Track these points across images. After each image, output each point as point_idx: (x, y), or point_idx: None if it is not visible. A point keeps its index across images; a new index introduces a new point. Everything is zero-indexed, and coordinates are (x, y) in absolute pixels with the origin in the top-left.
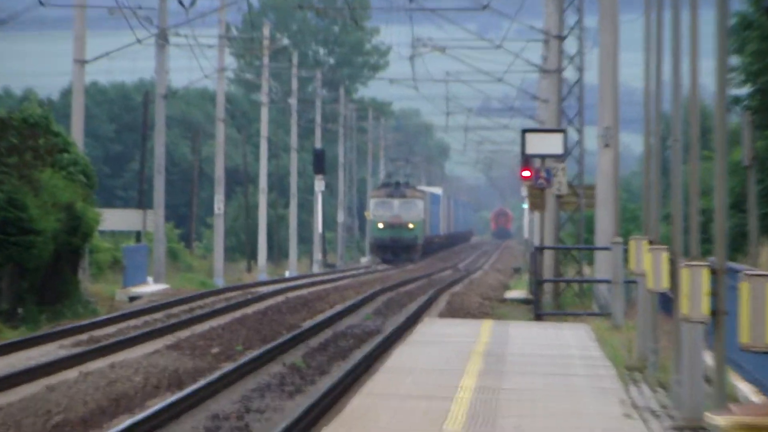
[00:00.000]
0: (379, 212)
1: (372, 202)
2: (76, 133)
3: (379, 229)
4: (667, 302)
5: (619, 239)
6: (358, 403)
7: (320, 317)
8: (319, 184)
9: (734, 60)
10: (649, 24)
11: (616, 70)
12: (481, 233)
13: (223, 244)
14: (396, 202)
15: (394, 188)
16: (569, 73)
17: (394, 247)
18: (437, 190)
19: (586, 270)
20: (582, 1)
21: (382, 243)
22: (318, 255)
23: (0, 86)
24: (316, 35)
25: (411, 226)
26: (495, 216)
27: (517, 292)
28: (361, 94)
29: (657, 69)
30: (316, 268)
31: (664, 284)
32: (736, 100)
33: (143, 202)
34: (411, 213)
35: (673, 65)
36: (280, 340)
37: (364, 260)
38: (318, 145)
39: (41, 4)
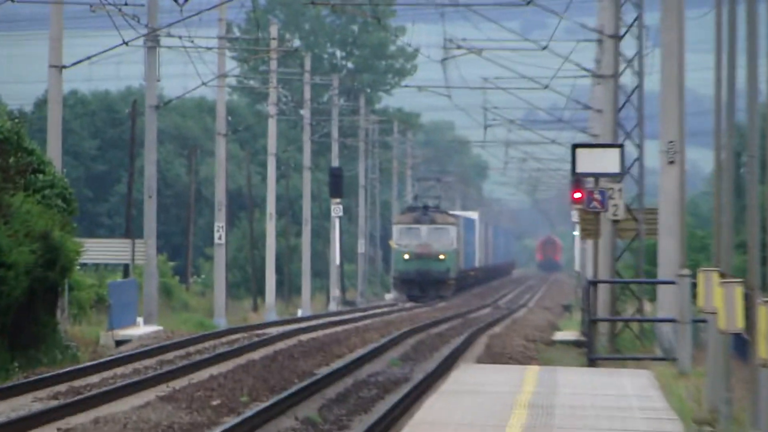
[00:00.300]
0: (405, 241)
1: (396, 230)
2: (53, 151)
3: (405, 261)
4: (742, 345)
5: (686, 272)
6: None
7: (338, 363)
8: (337, 209)
9: None
10: (720, 20)
11: (682, 75)
12: (524, 265)
13: (225, 279)
14: (424, 229)
15: (422, 213)
16: (627, 79)
17: (422, 282)
18: (472, 215)
19: (648, 307)
20: None
21: (407, 277)
22: (335, 291)
23: None
24: (331, 36)
25: (442, 257)
26: (541, 245)
27: (567, 334)
28: (384, 103)
29: (730, 73)
30: (333, 307)
31: (739, 324)
32: None
33: (131, 230)
34: (442, 242)
35: (748, 68)
36: (292, 389)
37: (389, 297)
38: (335, 163)
39: (11, 0)
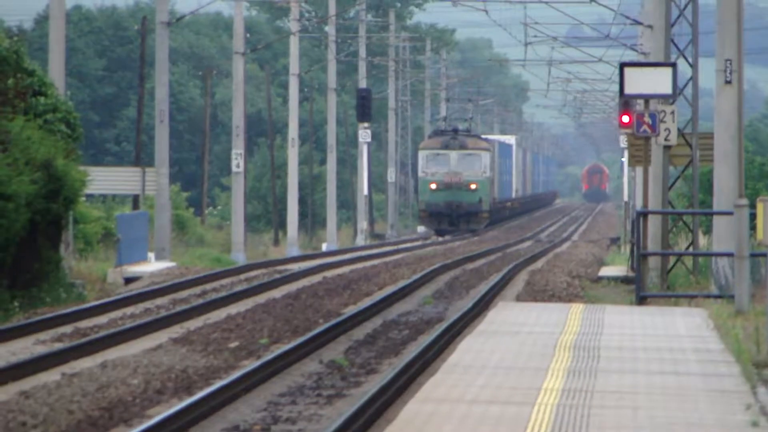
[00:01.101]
0: (432, 169)
1: (422, 156)
2: (56, 71)
3: (432, 191)
4: None
5: (745, 201)
6: (413, 410)
7: (366, 302)
8: (365, 134)
9: None
10: None
11: None
12: (569, 195)
13: (244, 211)
14: (453, 155)
15: (451, 137)
16: None
17: (452, 215)
18: (509, 140)
19: (702, 241)
20: None
21: (435, 209)
22: (363, 223)
23: None
24: None
25: (473, 186)
26: (587, 174)
27: (615, 269)
28: (416, 19)
29: None
30: (360, 240)
31: None
32: None
33: (142, 158)
34: (473, 169)
35: None
36: (316, 331)
37: (421, 229)
38: (362, 84)
39: None
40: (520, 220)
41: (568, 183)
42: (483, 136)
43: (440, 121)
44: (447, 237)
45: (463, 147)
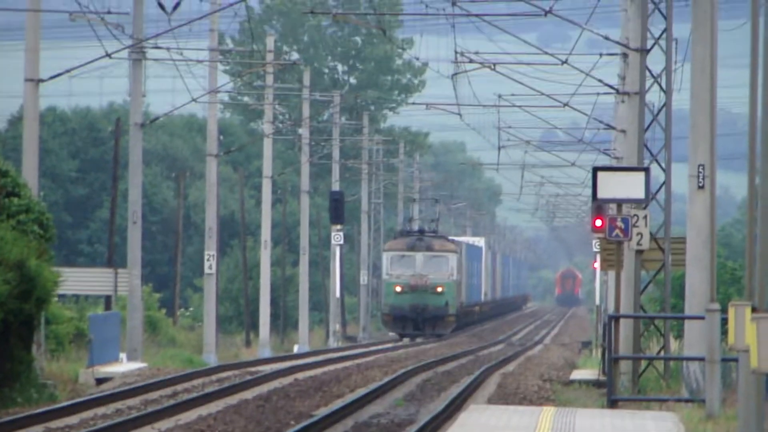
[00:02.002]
0: (397, 271)
1: (386, 258)
2: (29, 172)
3: (396, 294)
4: None
5: (716, 306)
6: None
7: (338, 403)
8: (337, 237)
9: None
10: (756, 32)
11: (713, 92)
12: (541, 298)
13: (216, 312)
14: (419, 256)
15: (417, 238)
16: (653, 96)
17: (416, 319)
18: (478, 241)
19: (674, 344)
20: (670, 5)
21: (399, 312)
22: (335, 325)
23: None
24: (332, 49)
25: (440, 289)
26: (560, 278)
27: (587, 372)
28: (390, 123)
29: (766, 90)
30: (332, 342)
31: None
32: None
33: (114, 259)
34: (440, 272)
35: None
36: None
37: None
38: (335, 187)
39: None
40: (489, 325)
41: (540, 287)
42: (450, 238)
43: (406, 222)
44: (418, 340)
45: (429, 248)
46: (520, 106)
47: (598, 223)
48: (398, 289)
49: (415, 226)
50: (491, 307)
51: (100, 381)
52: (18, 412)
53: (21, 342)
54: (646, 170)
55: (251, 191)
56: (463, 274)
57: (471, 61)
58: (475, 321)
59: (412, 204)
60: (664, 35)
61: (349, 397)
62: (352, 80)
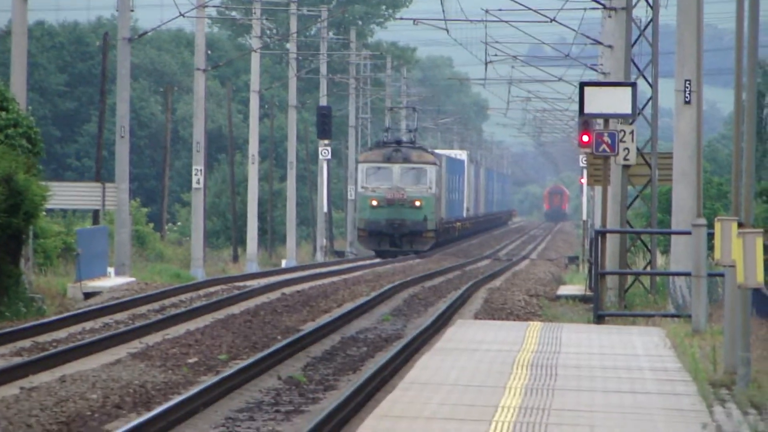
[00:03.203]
0: (372, 184)
1: (361, 169)
2: (17, 86)
3: (372, 208)
4: (762, 301)
5: (703, 221)
6: (371, 426)
7: (325, 318)
8: (325, 151)
9: None
10: None
11: (700, 7)
12: (527, 213)
13: (204, 227)
14: (396, 168)
15: (394, 149)
16: (640, 11)
17: (393, 235)
18: (460, 154)
19: (660, 260)
20: None
21: (375, 228)
22: (323, 240)
23: None
24: None
25: (418, 203)
26: (548, 195)
27: (573, 288)
28: (377, 37)
29: (752, 5)
30: (320, 257)
31: (759, 278)
32: None
33: (102, 173)
34: (418, 185)
35: None
36: (275, 347)
37: None
38: (323, 102)
39: None
40: (472, 241)
41: (527, 202)
42: (430, 150)
43: (383, 131)
44: (382, 259)
45: (406, 160)
46: (507, 21)
47: (585, 138)
48: (374, 203)
49: (392, 137)
50: (474, 223)
51: (88, 295)
52: (6, 326)
53: (9, 256)
54: (633, 85)
55: (239, 106)
56: (442, 188)
57: None
58: (456, 238)
59: (388, 113)
60: None
61: (336, 312)
62: None
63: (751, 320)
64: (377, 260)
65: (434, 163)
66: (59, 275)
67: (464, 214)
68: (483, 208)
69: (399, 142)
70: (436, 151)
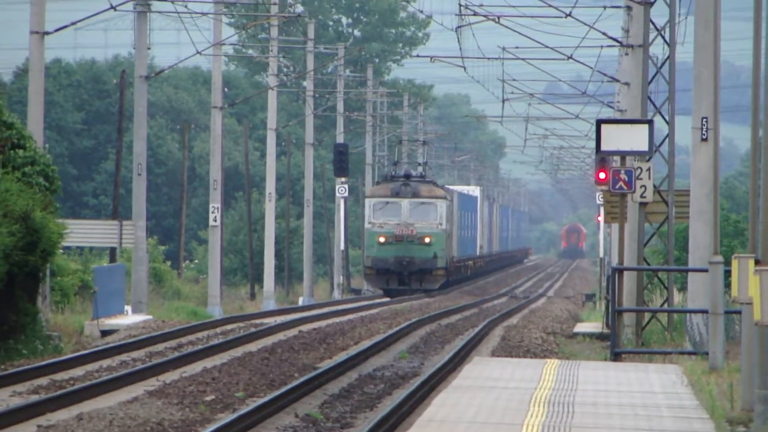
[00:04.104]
0: (380, 219)
1: (369, 205)
2: (34, 124)
3: (380, 245)
4: None
5: (720, 258)
6: None
7: (342, 356)
8: (342, 189)
9: None
10: None
11: (717, 45)
12: (544, 251)
13: (221, 265)
14: (405, 203)
15: (403, 183)
16: (657, 49)
17: (402, 273)
18: (473, 190)
19: (677, 297)
20: None
21: (383, 266)
22: (339, 278)
23: None
24: (337, 1)
25: (427, 240)
26: (566, 233)
27: (590, 325)
28: (394, 75)
29: None
30: (336, 295)
31: None
32: None
33: (119, 211)
34: (428, 220)
35: None
36: (292, 384)
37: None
38: (340, 139)
39: None
40: (486, 279)
41: (544, 239)
42: (441, 184)
43: (391, 165)
44: (390, 299)
45: (416, 195)
46: (524, 59)
47: (602, 175)
48: (381, 239)
49: (401, 171)
50: (487, 261)
51: (105, 333)
52: (23, 364)
53: (26, 294)
54: (650, 122)
55: (256, 143)
56: (454, 225)
57: (475, 13)
58: (468, 277)
59: (398, 146)
60: None
61: (353, 350)
62: (357, 33)
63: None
64: (394, 298)
65: (445, 198)
66: (76, 313)
67: (477, 252)
68: (497, 245)
69: (408, 176)
70: (449, 186)
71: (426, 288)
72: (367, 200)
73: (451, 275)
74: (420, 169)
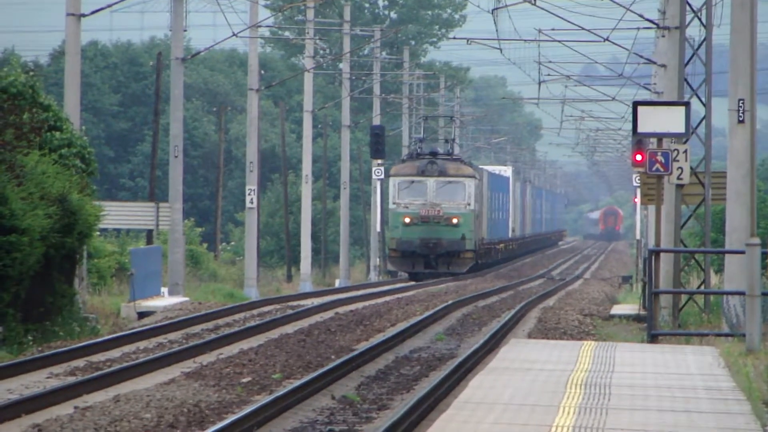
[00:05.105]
0: (405, 199)
1: (393, 184)
2: (71, 107)
3: (405, 226)
4: None
5: (757, 240)
6: None
7: (378, 338)
8: (378, 171)
9: None
10: None
11: (754, 26)
12: (580, 232)
13: (257, 247)
14: (431, 182)
15: (429, 161)
16: (693, 31)
17: (428, 255)
18: (504, 170)
19: (714, 279)
20: None
21: (408, 248)
22: (376, 260)
23: None
24: None
25: (455, 221)
26: (603, 215)
27: (627, 307)
28: (430, 57)
29: None
30: (373, 277)
31: None
32: None
33: (156, 193)
34: (455, 200)
35: None
36: (329, 366)
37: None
38: (376, 121)
39: None
40: (518, 263)
41: (581, 221)
42: (469, 162)
43: (416, 142)
44: (415, 282)
45: (442, 173)
46: (560, 41)
47: (639, 157)
48: (407, 220)
49: (427, 148)
50: (520, 244)
51: (141, 315)
52: (60, 345)
53: (63, 276)
54: (687, 104)
55: (292, 125)
56: (483, 205)
57: None
58: (499, 260)
59: (423, 122)
60: None
61: (390, 332)
62: (393, 15)
63: None
64: (430, 279)
65: (473, 177)
66: (113, 295)
67: (509, 235)
68: (530, 228)
69: (434, 154)
70: (481, 167)
71: (453, 271)
72: (391, 179)
73: (481, 258)
74: (447, 146)
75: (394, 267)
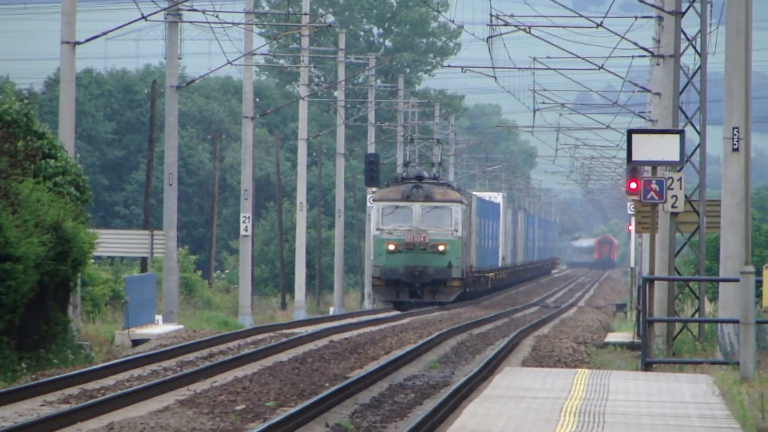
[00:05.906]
0: (389, 225)
1: (377, 209)
2: (66, 134)
3: (388, 254)
4: None
5: (751, 268)
6: None
7: (373, 365)
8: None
9: None
10: None
11: (749, 55)
12: (574, 262)
13: (251, 275)
14: (416, 208)
15: (414, 186)
16: (688, 59)
17: (413, 284)
18: (495, 197)
19: (708, 307)
20: None
21: (392, 276)
22: (370, 288)
23: None
24: (368, 11)
25: (441, 248)
26: (598, 244)
27: (621, 335)
28: (425, 85)
29: None
30: (367, 305)
31: None
32: None
33: (150, 221)
34: (442, 226)
35: None
36: (323, 394)
37: None
38: (371, 149)
39: None
40: (510, 292)
41: (569, 249)
42: (457, 186)
43: (402, 166)
44: (400, 312)
45: (428, 198)
46: (555, 69)
47: (633, 185)
48: (391, 247)
49: (413, 172)
50: (510, 273)
51: (136, 342)
52: (54, 373)
53: (57, 303)
54: (681, 133)
55: (287, 153)
56: (472, 232)
57: (506, 24)
58: (489, 289)
59: (408, 145)
60: None
61: (384, 359)
62: (388, 43)
63: None
64: (424, 307)
65: (461, 202)
66: (107, 322)
67: (499, 263)
68: (522, 256)
69: (420, 178)
70: (470, 193)
71: (440, 300)
72: (375, 204)
73: (469, 287)
74: (434, 170)
75: (378, 296)
